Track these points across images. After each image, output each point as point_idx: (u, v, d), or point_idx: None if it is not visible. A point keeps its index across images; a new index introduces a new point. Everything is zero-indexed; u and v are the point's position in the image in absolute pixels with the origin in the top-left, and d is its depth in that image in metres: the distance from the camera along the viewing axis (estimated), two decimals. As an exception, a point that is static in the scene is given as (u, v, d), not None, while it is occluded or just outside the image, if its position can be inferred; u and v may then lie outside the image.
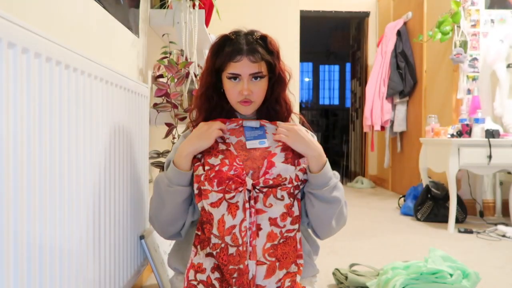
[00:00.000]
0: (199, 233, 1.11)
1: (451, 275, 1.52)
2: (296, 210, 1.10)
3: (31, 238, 0.72)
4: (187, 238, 1.20)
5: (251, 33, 1.15)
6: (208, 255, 1.08)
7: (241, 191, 1.05)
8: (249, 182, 1.06)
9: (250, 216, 1.05)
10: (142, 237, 1.39)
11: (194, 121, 1.21)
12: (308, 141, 1.11)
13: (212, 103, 1.19)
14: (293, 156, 1.12)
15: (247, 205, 1.05)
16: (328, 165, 1.13)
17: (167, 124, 1.72)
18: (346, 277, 1.75)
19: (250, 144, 1.13)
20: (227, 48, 1.12)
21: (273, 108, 1.21)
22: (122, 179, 1.22)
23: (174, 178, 1.11)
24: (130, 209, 1.30)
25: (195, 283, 1.05)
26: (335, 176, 1.16)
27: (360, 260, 2.05)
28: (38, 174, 0.74)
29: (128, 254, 1.29)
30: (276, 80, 1.17)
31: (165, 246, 1.59)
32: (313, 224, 1.18)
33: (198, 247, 1.10)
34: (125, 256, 1.26)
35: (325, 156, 1.13)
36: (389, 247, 2.46)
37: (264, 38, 1.14)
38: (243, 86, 1.11)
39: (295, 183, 1.10)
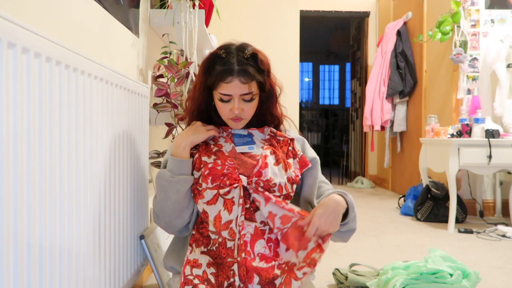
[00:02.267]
0: (194, 232, 1.15)
1: (451, 275, 1.52)
2: None
3: (31, 238, 0.72)
4: (182, 239, 1.24)
5: (242, 49, 1.14)
6: (203, 252, 1.12)
7: (236, 187, 1.10)
8: (243, 179, 1.11)
9: (246, 211, 1.10)
10: (142, 237, 1.39)
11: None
12: (334, 209, 1.09)
13: (205, 117, 1.23)
14: (282, 156, 1.17)
15: (240, 201, 1.09)
16: (351, 208, 1.14)
17: (167, 124, 1.72)
18: (346, 277, 1.75)
19: (240, 149, 1.19)
20: (218, 66, 1.12)
21: (262, 120, 1.25)
22: (122, 179, 1.22)
23: (176, 168, 1.14)
24: (130, 209, 1.30)
25: (191, 277, 1.07)
26: (347, 196, 1.17)
27: (360, 260, 2.05)
28: (38, 174, 0.74)
29: (128, 254, 1.29)
30: (266, 96, 1.20)
31: (165, 246, 1.59)
32: None
33: (193, 245, 1.14)
34: (125, 256, 1.26)
35: (343, 202, 1.12)
36: (389, 247, 2.46)
37: (255, 56, 1.14)
38: (234, 105, 1.14)
39: (284, 192, 1.13)
